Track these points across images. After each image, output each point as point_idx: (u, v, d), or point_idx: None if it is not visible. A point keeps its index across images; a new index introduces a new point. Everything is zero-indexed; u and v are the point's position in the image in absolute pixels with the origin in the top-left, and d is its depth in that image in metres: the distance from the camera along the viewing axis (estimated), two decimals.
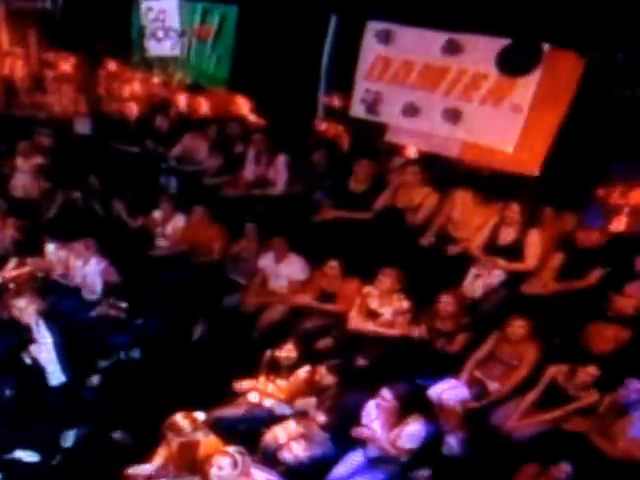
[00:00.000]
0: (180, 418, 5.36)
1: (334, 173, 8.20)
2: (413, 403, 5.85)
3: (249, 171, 8.67)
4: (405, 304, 6.80)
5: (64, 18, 10.56)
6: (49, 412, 6.52)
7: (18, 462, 6.27)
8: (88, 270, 7.85)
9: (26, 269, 8.03)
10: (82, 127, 9.76)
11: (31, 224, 8.74)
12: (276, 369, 6.53)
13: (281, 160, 8.47)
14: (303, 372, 6.39)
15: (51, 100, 10.12)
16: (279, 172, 8.48)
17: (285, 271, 7.66)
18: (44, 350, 6.15)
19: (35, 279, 7.98)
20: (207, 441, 5.44)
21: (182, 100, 9.62)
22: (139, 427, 6.40)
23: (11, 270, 8.03)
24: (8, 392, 6.55)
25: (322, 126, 8.85)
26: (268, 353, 6.59)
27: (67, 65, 10.48)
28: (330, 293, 7.32)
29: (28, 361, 6.03)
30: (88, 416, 6.59)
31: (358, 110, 8.29)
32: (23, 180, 9.49)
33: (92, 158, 9.61)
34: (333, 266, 7.27)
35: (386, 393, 5.80)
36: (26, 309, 6.04)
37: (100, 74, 10.39)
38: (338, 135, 8.70)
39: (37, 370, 6.21)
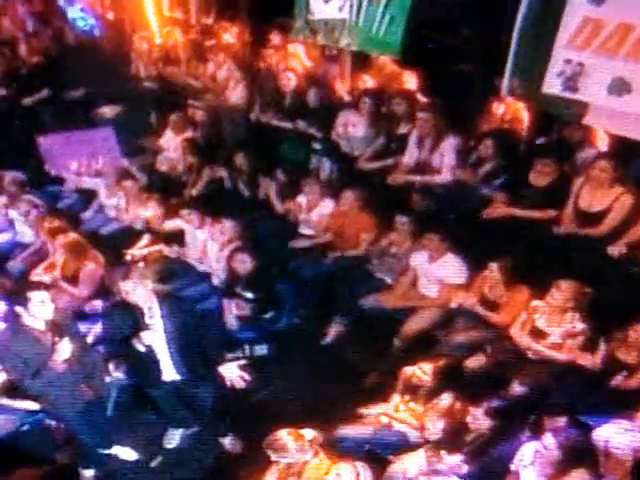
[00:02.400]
0: (284, 434, 5.01)
1: (511, 163, 7.55)
2: (579, 452, 5.11)
3: (410, 155, 8.13)
4: (579, 326, 6.10)
5: None
6: (157, 407, 6.41)
7: (114, 459, 6.25)
8: (221, 255, 7.74)
9: (157, 248, 8.09)
10: (237, 100, 9.70)
11: (172, 201, 8.79)
12: (413, 390, 6.07)
13: (450, 144, 7.85)
14: (445, 399, 5.85)
15: (209, 71, 10.18)
16: (446, 157, 7.86)
17: (440, 272, 7.11)
18: (157, 339, 5.90)
19: (165, 260, 8.02)
20: (317, 464, 5.05)
21: (340, 72, 9.32)
22: (252, 434, 6.08)
23: (142, 248, 8.12)
24: (118, 381, 6.55)
25: (499, 108, 8.15)
26: (407, 370, 6.14)
27: (228, 34, 10.51)
28: (492, 301, 6.72)
29: (141, 348, 5.85)
30: (198, 416, 6.39)
31: (553, 85, 7.37)
32: (171, 154, 9.66)
33: (243, 134, 9.59)
34: (492, 269, 6.68)
35: (549, 439, 5.13)
36: (135, 291, 5.75)
37: (261, 45, 10.30)
38: (517, 118, 7.97)
39: (150, 360, 5.97)
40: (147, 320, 5.80)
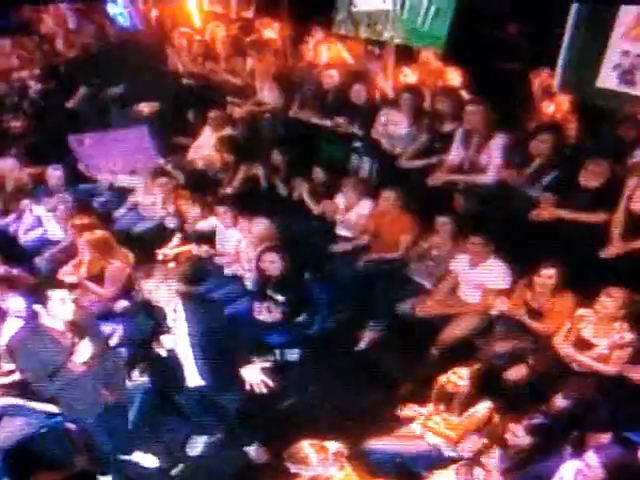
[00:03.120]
0: (306, 446, 4.86)
1: (560, 163, 7.24)
2: (624, 471, 4.83)
3: (455, 153, 7.89)
4: (628, 336, 5.83)
5: None
6: (180, 413, 6.35)
7: (134, 465, 6.17)
8: (253, 255, 7.60)
9: (188, 248, 8.00)
10: (272, 97, 9.61)
11: (207, 199, 8.69)
12: (448, 399, 5.86)
13: (497, 142, 7.59)
14: (482, 409, 5.68)
15: (248, 67, 10.09)
16: (493, 156, 7.61)
17: (481, 277, 6.88)
18: (181, 343, 5.77)
19: (197, 260, 7.93)
20: (342, 478, 4.89)
21: (383, 69, 9.09)
22: (279, 443, 5.94)
23: (173, 247, 8.05)
24: (141, 385, 6.47)
25: (549, 105, 7.86)
26: (442, 379, 5.94)
27: (268, 31, 10.41)
28: (535, 309, 6.48)
29: (162, 353, 5.71)
30: (223, 423, 6.29)
31: (608, 79, 7.14)
32: (207, 152, 9.60)
33: (282, 132, 9.52)
34: (549, 275, 6.38)
35: (592, 458, 4.83)
36: (157, 291, 5.62)
37: (301, 40, 10.17)
38: (568, 116, 7.68)
39: (173, 365, 5.85)
40: (169, 323, 5.68)
